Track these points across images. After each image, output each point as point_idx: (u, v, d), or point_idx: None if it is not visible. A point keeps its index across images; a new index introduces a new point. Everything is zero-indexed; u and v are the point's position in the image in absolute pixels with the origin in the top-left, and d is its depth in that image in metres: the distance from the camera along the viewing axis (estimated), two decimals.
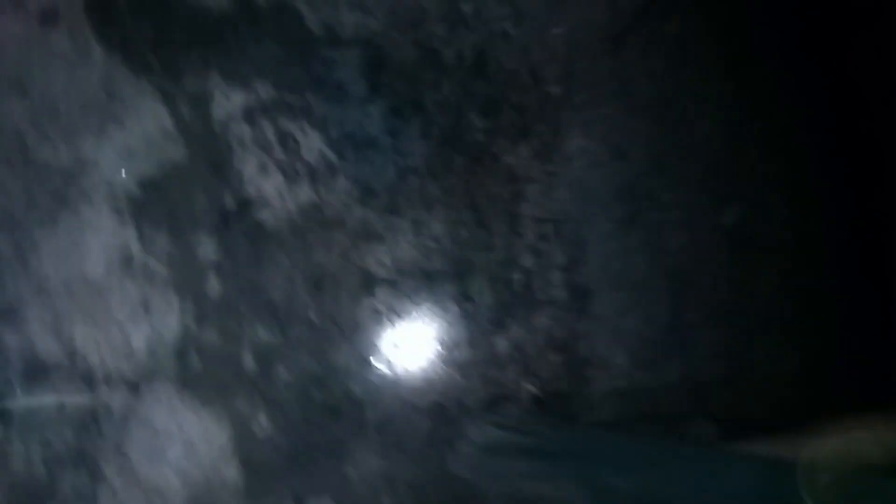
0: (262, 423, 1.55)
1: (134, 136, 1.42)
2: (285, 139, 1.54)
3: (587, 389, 1.91)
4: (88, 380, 1.37)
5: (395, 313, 1.70)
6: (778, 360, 1.98)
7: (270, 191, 1.53)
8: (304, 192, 1.56)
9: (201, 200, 1.46)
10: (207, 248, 1.48)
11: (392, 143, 1.63)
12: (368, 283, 1.66)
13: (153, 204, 1.44)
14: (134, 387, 1.42)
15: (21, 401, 1.35)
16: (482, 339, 1.80)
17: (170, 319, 1.46)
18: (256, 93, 1.50)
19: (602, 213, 1.82)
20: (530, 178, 1.75)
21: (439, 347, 1.76)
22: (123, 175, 1.39)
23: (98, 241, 1.42)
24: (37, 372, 1.38)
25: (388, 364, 1.69)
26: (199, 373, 1.50)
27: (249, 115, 1.50)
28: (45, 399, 1.36)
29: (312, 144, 1.56)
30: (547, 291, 1.85)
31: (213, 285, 1.49)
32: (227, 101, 1.48)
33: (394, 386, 1.70)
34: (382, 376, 1.68)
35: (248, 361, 1.54)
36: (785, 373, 1.93)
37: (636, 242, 1.88)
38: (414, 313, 1.71)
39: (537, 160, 1.76)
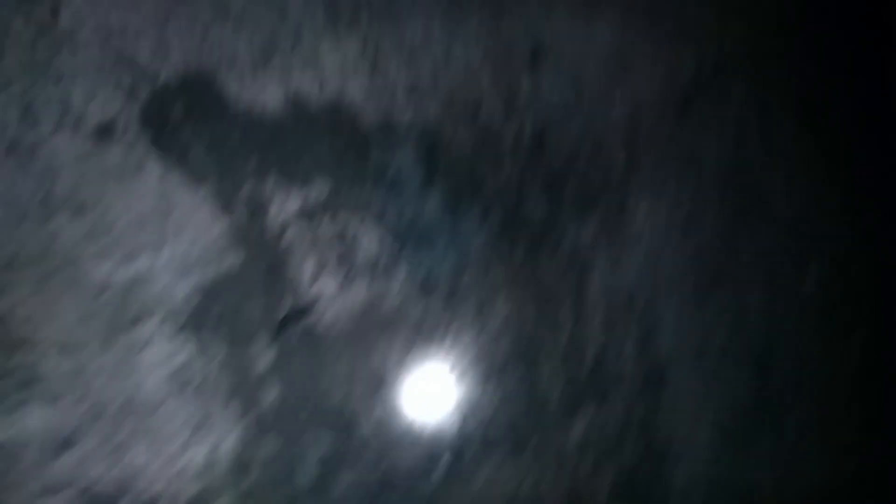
0: None
1: (191, 248, 1.36)
2: (343, 237, 1.48)
3: (670, 473, 1.79)
4: None
5: (463, 406, 1.61)
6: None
7: (329, 291, 1.45)
8: (363, 290, 1.48)
9: (259, 307, 1.39)
10: (266, 357, 1.41)
11: (452, 231, 1.55)
12: (431, 377, 1.58)
13: (210, 315, 1.37)
14: None
15: None
16: (557, 425, 1.70)
17: (229, 433, 1.39)
18: (312, 193, 1.44)
19: (675, 287, 1.72)
20: (597, 255, 1.66)
21: (512, 438, 1.66)
22: (178, 290, 1.34)
23: (155, 358, 1.36)
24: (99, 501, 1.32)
25: (457, 460, 1.60)
26: (261, 485, 1.42)
27: (306, 216, 1.44)
28: None
29: (370, 240, 1.49)
30: (621, 369, 1.74)
31: (272, 393, 1.42)
32: (284, 204, 1.42)
33: (465, 483, 1.60)
34: (452, 474, 1.59)
35: (311, 469, 1.47)
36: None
37: (713, 316, 1.77)
38: (484, 404, 1.62)
39: (604, 236, 1.67)
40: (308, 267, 1.43)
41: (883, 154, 1.83)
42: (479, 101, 1.59)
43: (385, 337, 1.51)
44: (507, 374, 1.65)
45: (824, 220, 1.78)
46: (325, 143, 1.47)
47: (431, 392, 1.56)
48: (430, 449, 1.55)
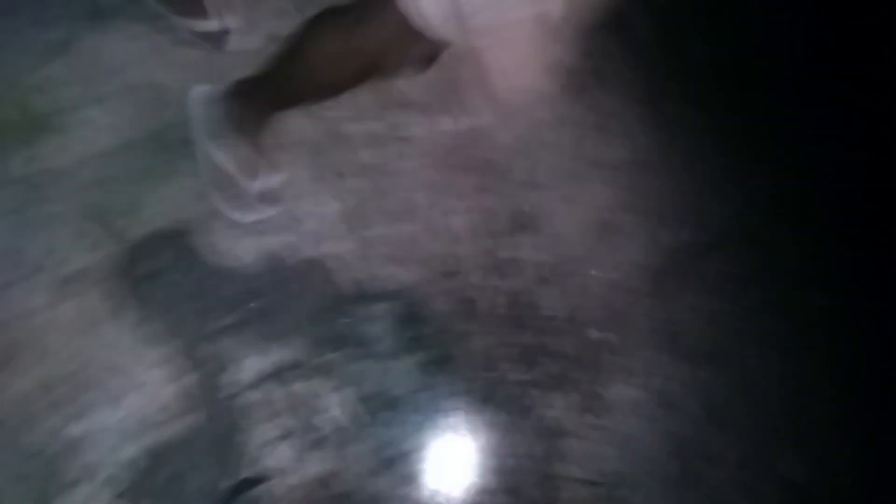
0: None
1: (144, 407, 1.31)
2: (307, 404, 1.43)
3: None
4: None
5: None
6: None
7: (284, 462, 1.38)
8: (317, 463, 1.41)
9: (207, 476, 1.31)
10: None
11: (419, 401, 1.50)
12: None
13: (154, 482, 1.30)
14: None
15: None
16: None
17: None
18: (278, 355, 1.41)
19: (652, 471, 1.63)
20: (568, 432, 1.59)
21: None
22: (125, 451, 1.27)
23: None
24: None
25: None
26: None
27: (269, 379, 1.40)
28: None
29: (330, 409, 1.44)
30: None
31: None
32: (246, 366, 1.39)
33: None
34: None
35: None
36: None
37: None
38: None
39: (576, 412, 1.61)
40: (265, 434, 1.37)
41: (869, 330, 1.81)
42: (456, 268, 1.60)
43: None
44: None
45: (807, 405, 1.73)
46: (298, 302, 1.46)
47: None
48: None
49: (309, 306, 1.48)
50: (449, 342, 1.54)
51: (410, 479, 1.48)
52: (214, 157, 1.36)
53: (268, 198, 1.50)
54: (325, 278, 1.52)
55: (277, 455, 1.36)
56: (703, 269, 1.76)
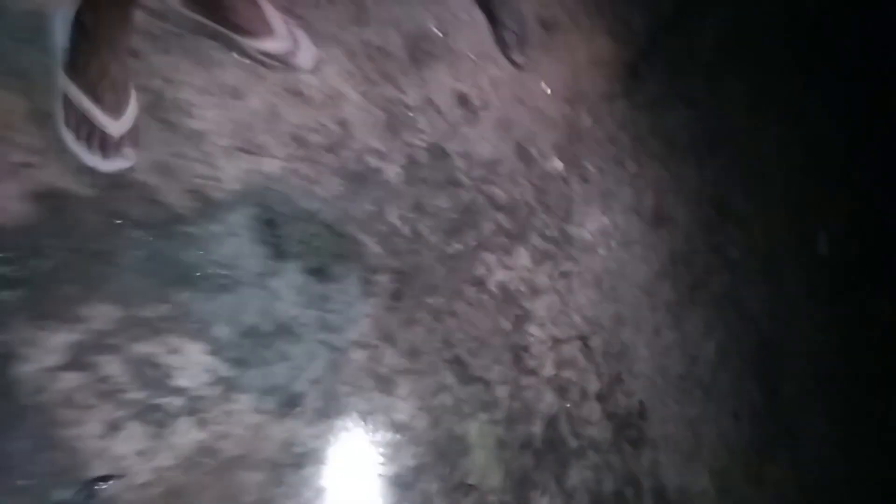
0: None
1: None
2: (147, 372, 1.08)
3: None
4: None
5: None
6: None
7: (133, 448, 1.06)
8: (184, 437, 1.09)
9: (29, 494, 0.99)
10: None
11: (315, 321, 1.17)
12: None
13: None
14: None
15: None
16: None
17: None
18: (94, 321, 1.05)
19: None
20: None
21: None
22: None
23: None
24: None
25: None
26: None
27: (82, 356, 1.04)
28: None
29: (191, 367, 1.10)
30: None
31: None
32: (46, 348, 1.02)
33: None
34: None
35: None
36: None
37: None
38: None
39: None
40: (90, 428, 1.02)
41: None
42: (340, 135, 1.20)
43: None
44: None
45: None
46: (115, 243, 1.07)
47: None
48: None
49: (132, 244, 1.10)
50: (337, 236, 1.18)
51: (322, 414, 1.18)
52: (68, 90, 1.06)
53: (130, 140, 1.11)
54: (147, 198, 1.13)
55: (126, 441, 1.02)
56: None
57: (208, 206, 1.20)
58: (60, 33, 1.06)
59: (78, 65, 1.06)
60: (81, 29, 1.03)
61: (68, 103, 1.09)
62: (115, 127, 1.11)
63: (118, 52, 1.08)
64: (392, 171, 1.48)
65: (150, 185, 1.15)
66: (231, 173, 1.25)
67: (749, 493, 2.12)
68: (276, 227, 1.27)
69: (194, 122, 1.23)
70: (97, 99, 1.09)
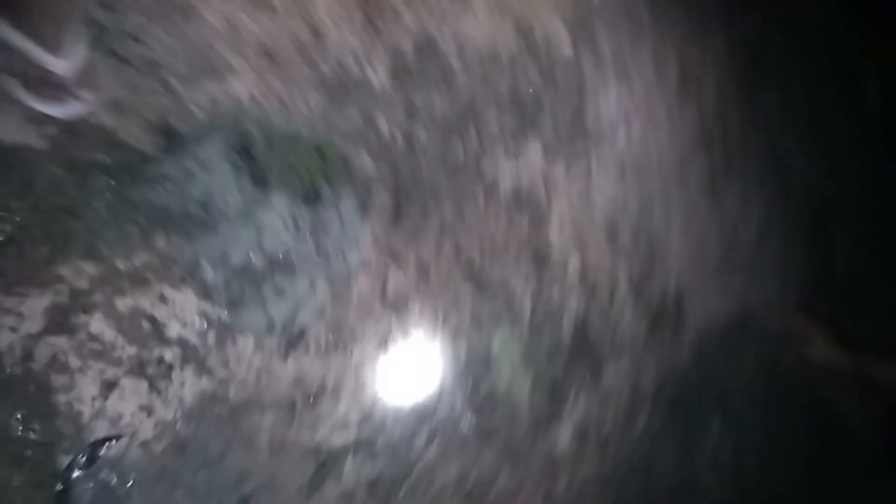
0: None
1: None
2: (133, 326, 1.03)
3: None
4: None
5: None
6: None
7: (130, 408, 1.02)
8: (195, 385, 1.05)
9: (28, 468, 0.97)
10: None
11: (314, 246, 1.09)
12: None
13: None
14: None
15: None
16: None
17: None
18: (73, 280, 0.99)
19: None
20: None
21: None
22: None
23: None
24: None
25: None
26: None
27: (63, 319, 0.98)
28: None
29: (182, 315, 1.05)
30: None
31: None
32: (24, 317, 0.97)
33: None
34: None
35: None
36: None
37: None
38: None
39: None
40: (88, 390, 0.99)
41: None
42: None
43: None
44: None
45: None
46: (78, 194, 0.99)
47: None
48: None
49: (98, 193, 1.02)
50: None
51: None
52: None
53: (83, 83, 1.00)
54: (106, 141, 1.04)
55: (124, 398, 0.99)
56: None
57: (176, 142, 1.11)
58: None
59: None
60: None
61: (3, 45, 0.98)
62: (62, 65, 1.00)
63: None
64: (377, 76, 1.35)
65: (108, 126, 1.06)
66: (196, 102, 1.14)
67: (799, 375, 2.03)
68: (254, 154, 1.17)
69: (146, 50, 1.11)
70: (33, 34, 0.98)
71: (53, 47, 0.99)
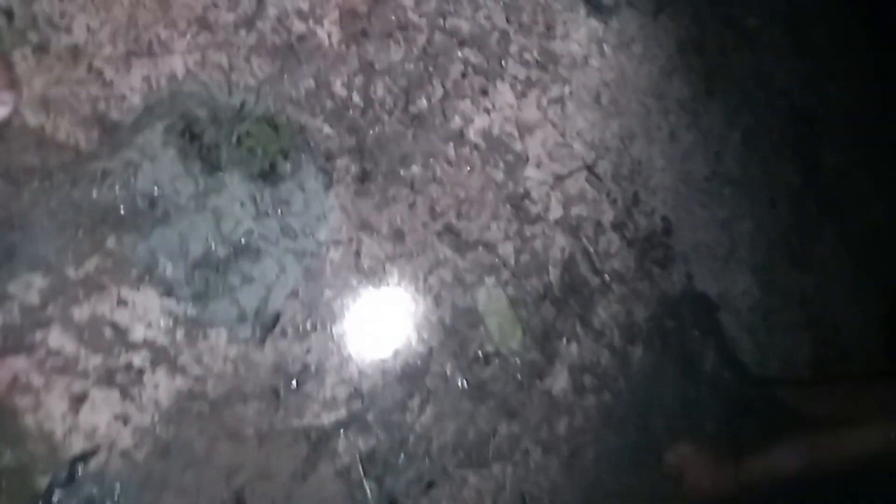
0: None
1: None
2: (95, 332, 0.98)
3: None
4: None
5: None
6: None
7: (105, 419, 0.99)
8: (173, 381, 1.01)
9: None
10: None
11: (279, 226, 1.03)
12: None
13: None
14: None
15: None
16: None
17: None
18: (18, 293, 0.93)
19: None
20: None
21: None
22: None
23: None
24: None
25: None
26: None
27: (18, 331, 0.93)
28: None
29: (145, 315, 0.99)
30: None
31: None
32: None
33: None
34: None
35: None
36: None
37: None
38: None
39: None
40: (56, 404, 0.95)
41: None
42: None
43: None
44: None
45: None
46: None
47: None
48: None
49: (35, 200, 0.95)
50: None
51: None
52: None
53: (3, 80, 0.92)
54: (35, 142, 0.96)
55: (96, 410, 0.95)
56: None
57: (111, 133, 1.03)
58: None
59: None
60: None
61: None
62: None
63: None
64: (324, 33, 1.25)
65: (34, 125, 0.98)
66: (127, 86, 1.06)
67: (796, 279, 2.01)
68: (198, 135, 1.09)
69: (64, 35, 1.02)
70: None
71: None
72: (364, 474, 1.18)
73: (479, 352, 1.34)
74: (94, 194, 1.00)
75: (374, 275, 1.24)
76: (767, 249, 1.94)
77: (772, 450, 1.19)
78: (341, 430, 1.17)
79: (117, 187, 1.01)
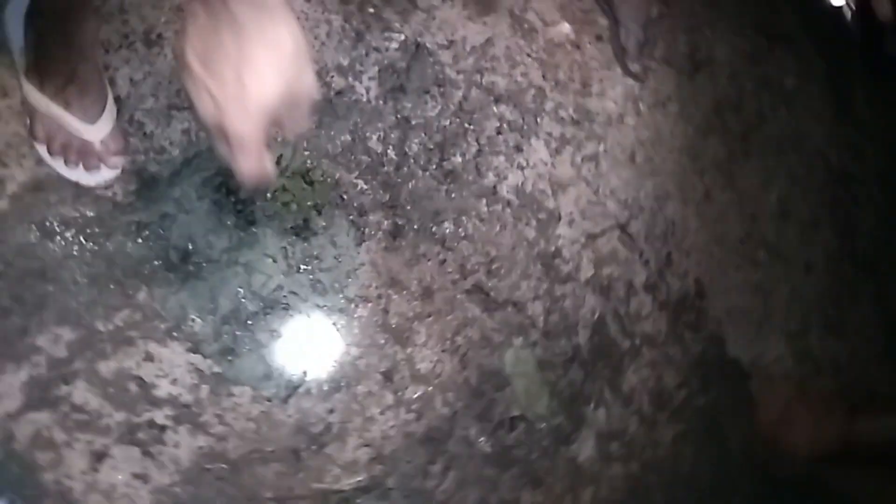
0: None
1: None
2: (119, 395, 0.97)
3: None
4: None
5: None
6: None
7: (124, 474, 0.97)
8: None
9: None
10: None
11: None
12: None
13: None
14: None
15: None
16: None
17: None
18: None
19: None
20: None
21: None
22: None
23: None
24: None
25: None
26: None
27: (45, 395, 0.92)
28: None
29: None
30: None
31: None
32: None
33: None
34: None
35: None
36: None
37: None
38: None
39: None
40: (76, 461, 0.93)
41: None
42: None
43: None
44: None
45: None
46: None
47: None
48: None
49: (68, 251, 0.95)
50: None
51: None
52: (31, 97, 0.90)
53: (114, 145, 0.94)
54: (72, 194, 0.96)
55: (116, 468, 0.93)
56: None
57: (148, 185, 1.03)
58: (14, 29, 0.87)
59: (40, 66, 0.88)
60: (39, 22, 0.85)
61: (34, 112, 0.92)
62: (93, 132, 0.94)
63: (86, 48, 0.88)
64: (362, 88, 1.26)
65: (73, 178, 0.98)
66: (166, 139, 1.06)
67: (831, 346, 1.95)
68: (234, 190, 1.09)
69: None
70: (67, 104, 0.91)
71: (85, 114, 0.92)
72: None
73: (505, 416, 1.31)
74: (129, 247, 1.00)
75: (402, 333, 1.22)
76: (802, 315, 1.89)
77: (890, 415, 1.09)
78: (361, 495, 1.14)
79: (151, 240, 1.01)
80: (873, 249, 2.15)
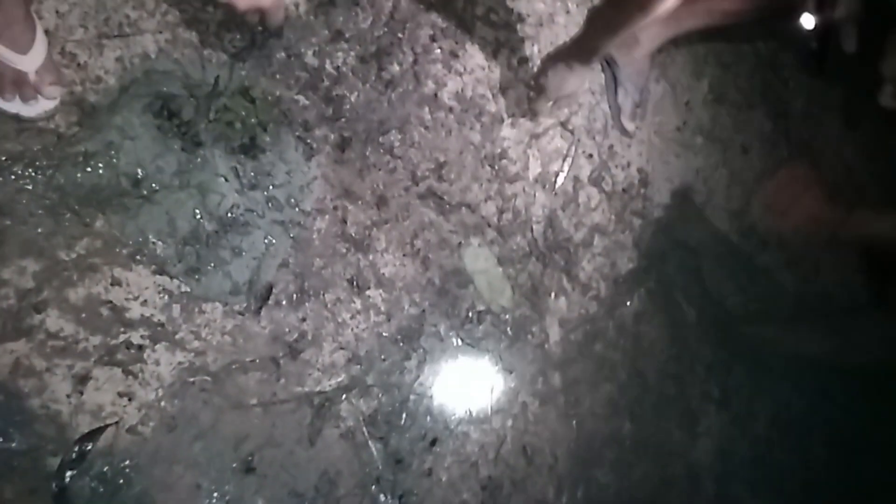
0: None
1: None
2: (94, 314, 0.99)
3: None
4: None
5: None
6: None
7: (107, 396, 1.00)
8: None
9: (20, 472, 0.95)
10: None
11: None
12: None
13: None
14: None
15: None
16: None
17: None
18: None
19: None
20: None
21: None
22: None
23: None
24: None
25: None
26: None
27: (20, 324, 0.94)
28: None
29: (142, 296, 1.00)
30: None
31: None
32: None
33: None
34: None
35: None
36: None
37: None
38: None
39: None
40: (62, 378, 0.96)
41: None
42: None
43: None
44: None
45: None
46: None
47: None
48: None
49: (20, 185, 0.95)
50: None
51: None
52: None
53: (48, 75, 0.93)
54: (15, 129, 0.96)
55: (100, 390, 0.96)
56: None
57: (89, 115, 1.03)
58: None
59: None
60: None
61: None
62: (27, 62, 0.93)
63: None
64: (291, 3, 1.26)
65: (12, 111, 0.98)
66: (101, 68, 1.06)
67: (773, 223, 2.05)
68: (176, 113, 1.10)
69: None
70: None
71: (16, 44, 0.91)
72: (368, 436, 1.21)
73: (471, 310, 1.37)
74: (79, 177, 1.00)
75: (362, 241, 1.25)
76: (743, 195, 1.99)
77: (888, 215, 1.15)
78: (343, 394, 1.19)
79: (101, 169, 1.02)
80: (807, 128, 2.24)
